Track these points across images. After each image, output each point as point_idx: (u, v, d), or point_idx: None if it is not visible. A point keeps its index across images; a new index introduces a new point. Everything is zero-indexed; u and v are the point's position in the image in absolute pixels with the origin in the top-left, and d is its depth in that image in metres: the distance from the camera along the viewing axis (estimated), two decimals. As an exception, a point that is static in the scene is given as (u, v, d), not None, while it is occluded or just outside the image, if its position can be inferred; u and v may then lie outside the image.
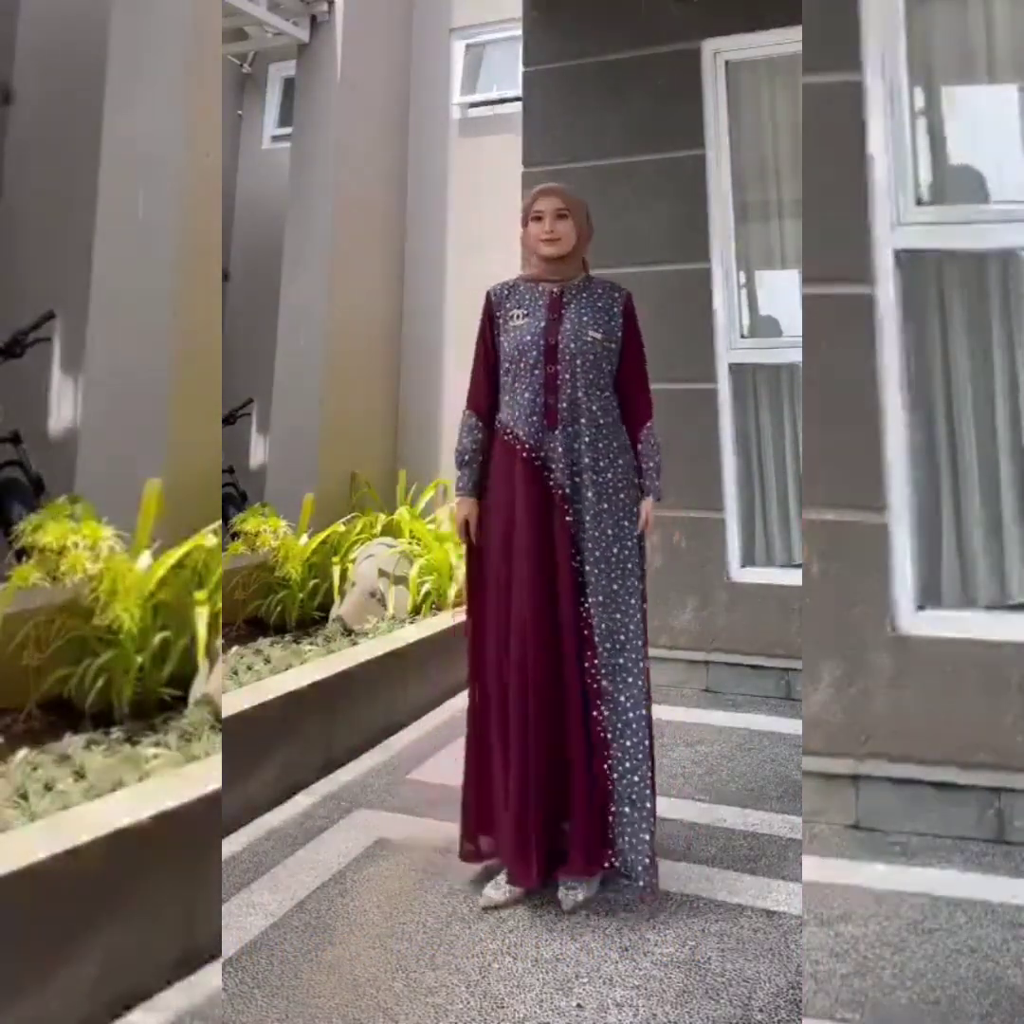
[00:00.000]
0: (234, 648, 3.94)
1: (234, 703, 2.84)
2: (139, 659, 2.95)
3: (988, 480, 2.61)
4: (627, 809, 2.28)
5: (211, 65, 4.61)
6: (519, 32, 4.49)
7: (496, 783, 2.35)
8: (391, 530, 5.40)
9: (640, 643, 2.33)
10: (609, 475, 2.32)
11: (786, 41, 3.71)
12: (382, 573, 4.62)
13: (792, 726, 3.40)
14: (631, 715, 2.29)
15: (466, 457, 2.42)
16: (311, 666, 3.36)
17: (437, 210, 6.73)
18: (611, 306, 2.39)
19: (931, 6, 2.60)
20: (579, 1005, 1.85)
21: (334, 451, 5.95)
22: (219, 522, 3.51)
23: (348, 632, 4.45)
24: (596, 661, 2.28)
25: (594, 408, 2.32)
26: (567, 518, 2.29)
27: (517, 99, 4.75)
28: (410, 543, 4.92)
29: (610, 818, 2.29)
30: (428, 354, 6.55)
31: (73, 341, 4.26)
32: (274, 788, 2.86)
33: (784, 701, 3.78)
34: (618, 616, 2.30)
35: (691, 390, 3.97)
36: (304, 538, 4.92)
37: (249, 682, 3.30)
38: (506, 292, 2.43)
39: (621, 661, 2.30)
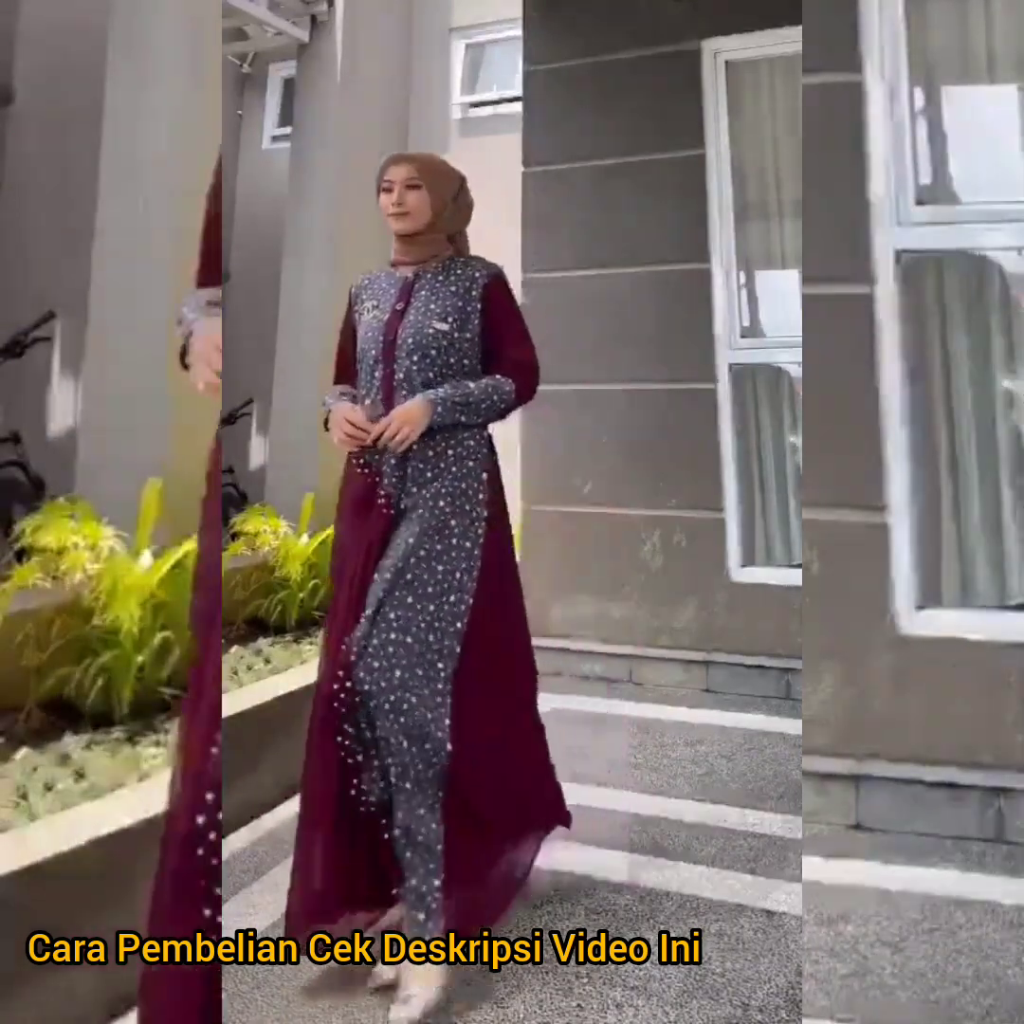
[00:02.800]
0: (234, 648, 3.93)
1: (234, 703, 2.83)
2: (139, 659, 2.94)
3: (988, 480, 2.60)
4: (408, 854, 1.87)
5: (211, 65, 4.62)
6: (519, 32, 4.49)
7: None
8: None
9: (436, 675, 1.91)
10: (437, 487, 1.99)
11: (786, 41, 3.69)
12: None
13: (792, 726, 3.39)
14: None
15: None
16: (311, 666, 3.36)
17: (437, 210, 6.72)
18: (467, 289, 2.04)
19: (931, 6, 2.60)
20: (579, 1005, 1.85)
21: (334, 451, 5.91)
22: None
23: (348, 632, 4.44)
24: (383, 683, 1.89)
25: None
26: (391, 533, 1.99)
27: (517, 99, 4.75)
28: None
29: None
30: (428, 354, 6.53)
31: (73, 341, 4.27)
32: (274, 788, 2.85)
33: (784, 701, 3.77)
34: (417, 640, 1.90)
35: (691, 390, 3.97)
36: (304, 538, 4.91)
37: (249, 682, 3.30)
38: (365, 282, 2.15)
39: (410, 695, 1.88)
